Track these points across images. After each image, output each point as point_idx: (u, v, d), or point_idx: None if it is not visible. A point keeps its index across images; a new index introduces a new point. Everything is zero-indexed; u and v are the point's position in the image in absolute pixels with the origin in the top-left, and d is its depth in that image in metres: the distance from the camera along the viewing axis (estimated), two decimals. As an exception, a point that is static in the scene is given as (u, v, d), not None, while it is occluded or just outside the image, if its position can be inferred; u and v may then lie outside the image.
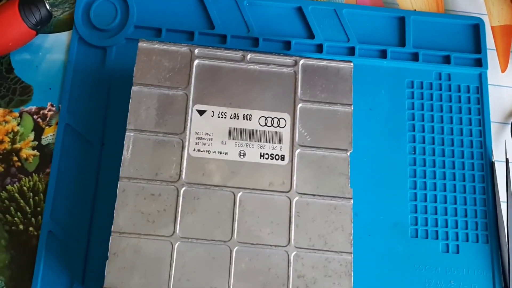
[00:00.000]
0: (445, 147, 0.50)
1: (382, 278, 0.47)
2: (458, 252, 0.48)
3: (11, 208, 0.46)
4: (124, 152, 0.42)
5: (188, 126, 0.43)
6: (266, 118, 0.43)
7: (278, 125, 0.43)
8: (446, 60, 0.53)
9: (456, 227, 0.48)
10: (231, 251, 0.40)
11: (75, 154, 0.48)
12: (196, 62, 0.44)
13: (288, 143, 0.43)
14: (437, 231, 0.48)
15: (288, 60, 0.45)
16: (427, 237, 0.48)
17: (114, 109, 0.49)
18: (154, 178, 0.41)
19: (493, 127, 0.52)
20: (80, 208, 0.46)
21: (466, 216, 0.49)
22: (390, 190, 0.49)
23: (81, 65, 0.51)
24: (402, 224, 0.48)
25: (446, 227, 0.48)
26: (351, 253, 0.40)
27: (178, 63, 0.44)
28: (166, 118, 0.43)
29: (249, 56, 0.45)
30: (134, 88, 0.43)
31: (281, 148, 0.43)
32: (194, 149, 0.42)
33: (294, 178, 0.42)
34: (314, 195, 0.42)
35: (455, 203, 0.49)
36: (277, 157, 0.43)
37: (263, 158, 0.42)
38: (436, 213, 0.49)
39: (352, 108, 0.44)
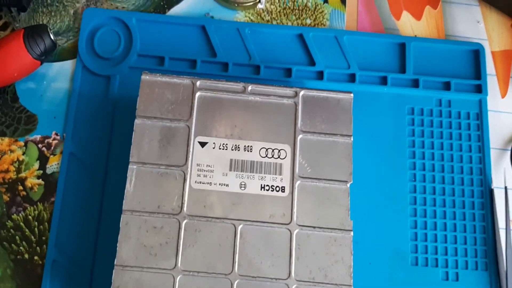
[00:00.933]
0: (445, 174, 0.51)
1: (383, 306, 0.47)
2: (457, 280, 0.48)
3: (17, 237, 0.47)
4: (127, 185, 0.42)
5: (190, 158, 0.43)
6: (266, 150, 0.44)
7: (279, 157, 0.44)
8: (447, 86, 0.53)
9: (456, 255, 0.49)
10: (232, 284, 0.41)
11: (79, 183, 0.49)
12: (198, 94, 0.45)
13: (289, 175, 0.44)
14: (436, 259, 0.49)
15: (289, 91, 0.46)
16: (427, 265, 0.49)
17: (118, 137, 0.50)
18: (156, 211, 0.42)
19: (493, 154, 0.52)
20: (84, 237, 0.47)
21: (465, 243, 0.49)
22: (390, 217, 0.50)
23: (85, 93, 0.51)
24: (402, 252, 0.49)
25: (446, 254, 0.49)
26: (351, 286, 0.41)
27: (181, 95, 0.45)
28: (168, 150, 0.43)
29: (250, 87, 0.46)
30: (137, 121, 0.44)
31: (281, 179, 0.43)
32: (195, 181, 0.43)
33: (295, 210, 0.43)
34: (314, 227, 0.42)
35: (455, 230, 0.49)
36: (277, 188, 0.43)
37: (264, 190, 0.43)
38: (436, 241, 0.49)
39: (352, 139, 0.45)
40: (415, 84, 0.53)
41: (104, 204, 0.48)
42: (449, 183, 0.51)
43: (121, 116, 0.51)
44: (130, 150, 0.43)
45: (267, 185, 0.43)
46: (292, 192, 0.43)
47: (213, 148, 0.44)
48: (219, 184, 0.43)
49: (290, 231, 0.42)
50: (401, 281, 0.48)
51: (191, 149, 0.44)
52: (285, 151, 0.44)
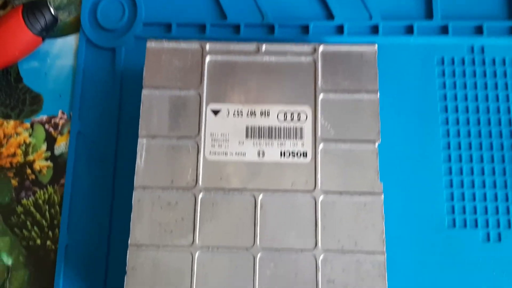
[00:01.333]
0: (481, 128, 0.47)
1: (419, 275, 0.44)
2: (500, 240, 0.45)
3: (27, 222, 0.45)
4: (137, 160, 0.40)
5: (203, 128, 0.40)
6: (285, 113, 0.41)
7: (299, 119, 0.41)
8: (479, 30, 0.49)
9: (497, 213, 0.45)
10: (254, 258, 0.38)
11: (89, 162, 0.46)
12: (208, 58, 0.42)
13: (310, 138, 0.40)
14: (476, 219, 0.45)
15: (306, 48, 0.42)
16: (465, 226, 0.45)
17: (127, 113, 0.47)
18: (170, 186, 0.39)
19: (533, 102, 0.48)
20: (98, 218, 0.45)
21: (507, 200, 0.45)
22: (423, 178, 0.46)
23: (90, 69, 0.49)
24: (438, 214, 0.45)
25: (486, 214, 0.45)
26: (384, 252, 0.38)
27: (189, 61, 0.42)
28: (179, 121, 0.41)
29: (264, 47, 0.42)
30: (144, 92, 0.41)
31: (302, 144, 0.40)
32: (210, 152, 0.40)
33: (319, 175, 0.40)
34: (341, 192, 0.39)
35: (495, 187, 0.46)
36: (299, 154, 0.40)
37: (284, 157, 0.40)
38: (474, 200, 0.45)
39: (378, 94, 0.41)
40: (444, 30, 0.49)
41: (116, 183, 0.45)
42: (486, 136, 0.47)
43: (129, 90, 0.48)
44: (139, 123, 0.40)
45: (288, 151, 0.40)
46: (315, 157, 0.40)
47: (227, 115, 0.41)
48: (236, 154, 0.40)
49: (314, 198, 0.39)
50: (438, 245, 0.44)
51: (203, 118, 0.41)
52: (306, 113, 0.41)
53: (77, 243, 0.44)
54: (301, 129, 0.40)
